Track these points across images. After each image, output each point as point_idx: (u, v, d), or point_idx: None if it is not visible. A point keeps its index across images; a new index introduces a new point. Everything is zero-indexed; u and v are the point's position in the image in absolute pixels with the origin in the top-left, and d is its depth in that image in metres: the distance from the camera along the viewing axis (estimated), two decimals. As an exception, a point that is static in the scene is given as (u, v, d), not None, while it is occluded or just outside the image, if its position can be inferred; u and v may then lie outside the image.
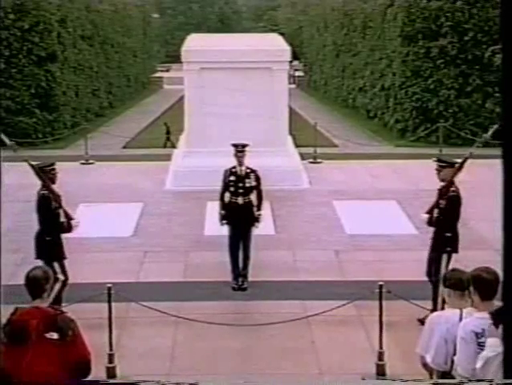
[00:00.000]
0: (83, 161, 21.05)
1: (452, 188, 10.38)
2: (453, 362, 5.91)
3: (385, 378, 8.84)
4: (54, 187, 10.45)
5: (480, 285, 5.97)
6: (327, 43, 38.68)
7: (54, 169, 10.56)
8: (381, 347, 9.08)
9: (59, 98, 26.58)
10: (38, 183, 18.57)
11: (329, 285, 11.70)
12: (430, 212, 10.47)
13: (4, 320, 6.12)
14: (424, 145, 23.33)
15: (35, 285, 6.18)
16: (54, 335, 6.01)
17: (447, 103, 24.78)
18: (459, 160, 10.58)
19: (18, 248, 13.18)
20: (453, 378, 5.79)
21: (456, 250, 10.45)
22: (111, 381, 8.51)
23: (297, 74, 48.64)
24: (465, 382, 4.84)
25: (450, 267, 10.15)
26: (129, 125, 30.02)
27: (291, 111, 20.78)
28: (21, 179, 18.20)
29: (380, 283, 9.41)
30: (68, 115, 27.51)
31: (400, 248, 13.26)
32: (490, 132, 12.54)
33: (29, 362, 5.98)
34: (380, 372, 9.01)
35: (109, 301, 9.26)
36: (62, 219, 10.37)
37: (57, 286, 10.11)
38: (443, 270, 10.33)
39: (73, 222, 10.47)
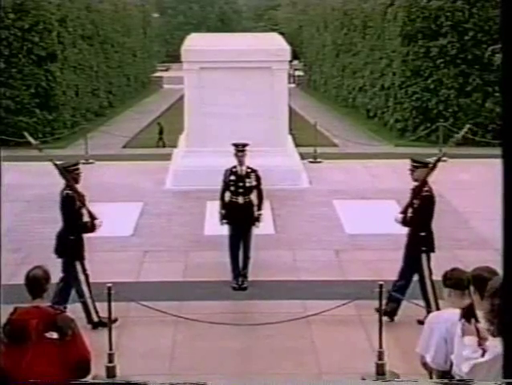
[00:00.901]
0: (83, 161, 20.94)
1: (425, 188, 10.43)
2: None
3: (385, 378, 8.84)
4: (78, 186, 10.50)
5: (480, 284, 5.97)
6: (327, 43, 38.67)
7: (78, 169, 10.65)
8: (381, 347, 9.07)
9: (59, 97, 26.58)
10: (38, 183, 18.58)
11: (329, 285, 11.69)
12: (404, 211, 10.51)
13: (4, 320, 6.13)
14: (424, 145, 23.32)
15: (36, 284, 6.18)
16: (54, 335, 6.01)
17: (447, 102, 24.78)
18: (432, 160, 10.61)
19: (18, 247, 13.19)
20: (453, 377, 5.79)
21: (432, 249, 10.48)
22: (117, 381, 8.52)
23: (297, 73, 48.63)
24: (465, 383, 4.84)
25: (432, 266, 10.20)
26: (129, 125, 30.01)
27: (291, 111, 20.77)
28: (21, 179, 18.25)
29: (380, 283, 9.41)
30: (68, 115, 27.51)
31: (400, 247, 13.17)
32: (462, 133, 12.78)
33: (29, 361, 5.99)
34: (380, 372, 9.00)
35: (109, 301, 9.26)
36: (86, 218, 10.40)
37: (85, 288, 10.17)
38: (426, 270, 10.36)
39: (96, 222, 10.53)
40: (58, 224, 14.93)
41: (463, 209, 16.01)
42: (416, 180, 10.55)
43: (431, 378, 6.20)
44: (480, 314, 5.48)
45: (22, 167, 19.82)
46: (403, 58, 25.48)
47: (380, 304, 9.26)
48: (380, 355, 9.05)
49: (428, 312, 10.11)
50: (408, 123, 25.54)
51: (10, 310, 6.20)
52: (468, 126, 14.40)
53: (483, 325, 5.36)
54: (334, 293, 11.08)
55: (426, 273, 10.37)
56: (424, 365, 6.32)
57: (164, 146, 24.65)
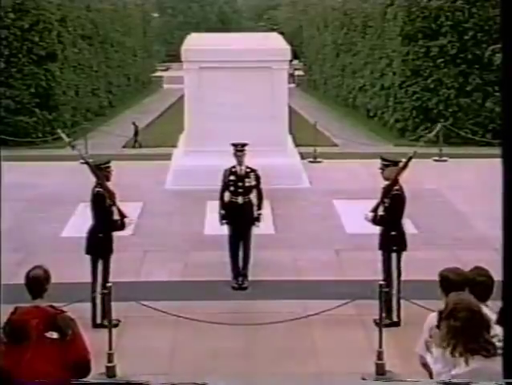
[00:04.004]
0: (82, 161, 20.99)
1: (396, 187, 10.41)
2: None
3: (385, 378, 8.84)
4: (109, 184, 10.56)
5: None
6: (327, 43, 38.67)
7: (109, 167, 10.69)
8: (381, 347, 9.07)
9: (59, 97, 26.59)
10: (38, 183, 18.57)
11: (329, 285, 11.69)
12: (375, 210, 10.51)
13: (4, 320, 6.13)
14: (424, 144, 23.32)
15: (36, 284, 6.18)
16: (54, 334, 6.01)
17: (447, 102, 24.79)
18: (403, 159, 10.61)
19: (18, 247, 13.18)
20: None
21: (403, 248, 10.45)
22: (117, 381, 8.52)
23: (297, 73, 48.62)
24: (465, 383, 4.83)
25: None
26: (129, 124, 29.93)
27: (291, 111, 20.77)
28: (21, 179, 18.24)
29: (380, 282, 9.42)
30: (68, 115, 27.52)
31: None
32: (434, 132, 12.84)
33: (29, 361, 5.98)
34: (380, 372, 9.00)
35: (109, 301, 9.26)
36: (116, 216, 10.42)
37: (99, 287, 10.16)
38: (394, 270, 10.35)
39: (126, 220, 10.58)
40: (57, 223, 15.00)
41: (463, 209, 16.01)
42: (386, 179, 10.58)
43: (431, 378, 6.19)
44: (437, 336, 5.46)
45: (22, 167, 19.82)
46: (403, 58, 25.48)
47: (380, 304, 9.26)
48: (380, 355, 9.05)
49: (387, 316, 10.05)
50: (408, 122, 25.55)
51: (10, 310, 6.19)
52: (439, 126, 14.56)
53: (442, 349, 5.32)
54: (334, 292, 11.07)
55: (394, 273, 10.36)
56: (424, 365, 6.31)
57: (140, 146, 24.57)
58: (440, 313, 5.81)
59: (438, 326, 5.57)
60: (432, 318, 6.42)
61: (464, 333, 5.18)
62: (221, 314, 10.62)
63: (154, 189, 17.76)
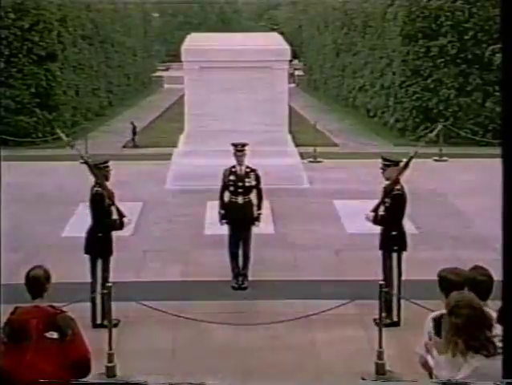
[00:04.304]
0: (81, 161, 20.97)
1: (397, 187, 10.40)
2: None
3: (385, 378, 8.84)
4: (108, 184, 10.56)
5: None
6: (327, 42, 38.66)
7: (108, 166, 10.70)
8: (381, 347, 9.07)
9: (59, 97, 26.57)
10: (38, 182, 18.58)
11: (329, 285, 11.69)
12: (376, 210, 10.52)
13: (4, 320, 6.13)
14: (424, 144, 23.29)
15: (36, 284, 6.18)
16: (54, 334, 6.01)
17: (447, 102, 24.79)
18: (404, 159, 10.60)
19: (18, 247, 13.19)
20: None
21: (404, 248, 10.45)
22: (117, 381, 8.52)
23: (297, 73, 48.61)
24: (465, 383, 4.83)
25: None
26: (129, 124, 29.99)
27: (291, 111, 20.77)
28: (21, 178, 18.25)
29: (380, 282, 9.41)
30: (68, 115, 27.51)
31: (400, 247, 13.22)
32: (435, 132, 12.85)
33: (29, 361, 5.98)
34: (380, 372, 9.00)
35: (109, 301, 9.26)
36: (115, 216, 10.43)
37: (99, 287, 10.19)
38: (395, 270, 10.35)
39: (125, 220, 10.59)
40: (57, 223, 15.00)
41: (463, 209, 16.02)
42: (387, 179, 10.58)
43: (431, 378, 6.19)
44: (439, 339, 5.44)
45: (21, 167, 19.83)
46: (403, 58, 25.48)
47: (380, 304, 9.26)
48: (380, 355, 9.04)
49: (387, 316, 10.04)
50: (408, 122, 25.54)
51: (10, 310, 6.20)
52: (440, 126, 14.54)
53: (445, 355, 5.30)
54: (334, 292, 11.07)
55: (395, 273, 10.36)
56: (424, 365, 6.30)
57: (137, 146, 24.52)
58: (435, 320, 5.79)
59: (436, 333, 5.54)
60: (431, 320, 6.42)
61: (465, 330, 5.17)
62: (221, 313, 10.62)
63: (154, 189, 17.76)
